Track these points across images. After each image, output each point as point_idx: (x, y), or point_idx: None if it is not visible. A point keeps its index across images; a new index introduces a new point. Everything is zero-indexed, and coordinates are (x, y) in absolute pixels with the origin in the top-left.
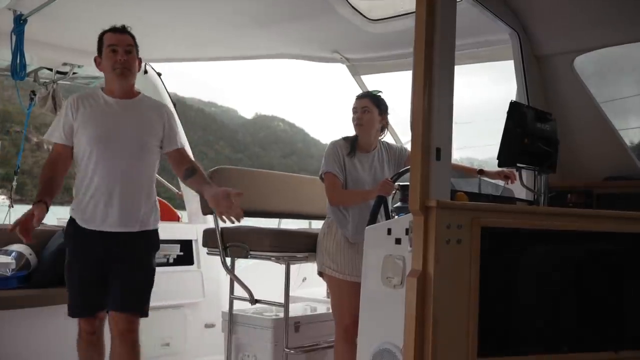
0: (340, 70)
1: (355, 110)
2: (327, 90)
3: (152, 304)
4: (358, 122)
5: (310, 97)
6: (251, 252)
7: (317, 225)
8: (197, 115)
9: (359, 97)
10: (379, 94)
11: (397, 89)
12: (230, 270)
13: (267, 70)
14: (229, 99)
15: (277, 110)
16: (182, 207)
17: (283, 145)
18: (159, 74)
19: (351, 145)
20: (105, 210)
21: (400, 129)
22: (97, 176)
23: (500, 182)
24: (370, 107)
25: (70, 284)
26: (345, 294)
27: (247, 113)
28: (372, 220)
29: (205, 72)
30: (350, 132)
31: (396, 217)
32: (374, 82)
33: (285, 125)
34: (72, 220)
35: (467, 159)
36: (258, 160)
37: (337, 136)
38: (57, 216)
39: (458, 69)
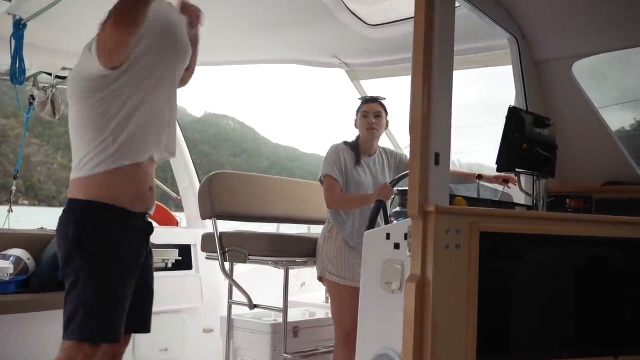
0: (293, 70)
1: (366, 114)
2: (277, 90)
3: None
4: (371, 127)
5: (260, 97)
6: (250, 257)
7: (316, 230)
8: (62, 104)
9: (369, 102)
10: (384, 100)
11: (396, 94)
12: (229, 275)
13: (217, 69)
14: (178, 97)
15: (227, 109)
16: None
17: (233, 144)
18: None
19: (355, 151)
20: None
21: (399, 134)
22: None
23: (499, 187)
24: (381, 112)
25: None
26: (346, 299)
27: (197, 111)
28: (371, 225)
29: None
30: (301, 132)
31: (395, 222)
32: (373, 87)
33: (236, 124)
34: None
35: (466, 165)
36: (207, 159)
37: (291, 137)
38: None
39: (457, 74)
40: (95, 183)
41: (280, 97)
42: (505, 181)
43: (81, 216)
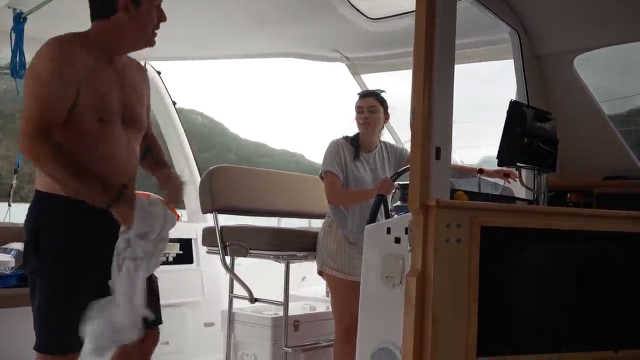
0: (263, 65)
1: (361, 109)
2: (247, 85)
3: None
4: (365, 122)
5: (229, 92)
6: (251, 251)
7: (316, 224)
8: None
9: (363, 96)
10: (382, 92)
11: (397, 88)
12: (230, 269)
13: (184, 62)
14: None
15: (195, 103)
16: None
17: (201, 139)
18: (159, 73)
19: (354, 146)
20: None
21: (399, 128)
22: None
23: (500, 181)
24: (377, 106)
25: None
26: (345, 293)
27: None
28: (372, 219)
29: None
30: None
31: (396, 216)
32: (374, 81)
33: (204, 119)
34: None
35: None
36: (167, 153)
37: (260, 132)
38: None
39: (458, 68)
40: None
41: (249, 93)
42: (506, 175)
43: (39, 209)
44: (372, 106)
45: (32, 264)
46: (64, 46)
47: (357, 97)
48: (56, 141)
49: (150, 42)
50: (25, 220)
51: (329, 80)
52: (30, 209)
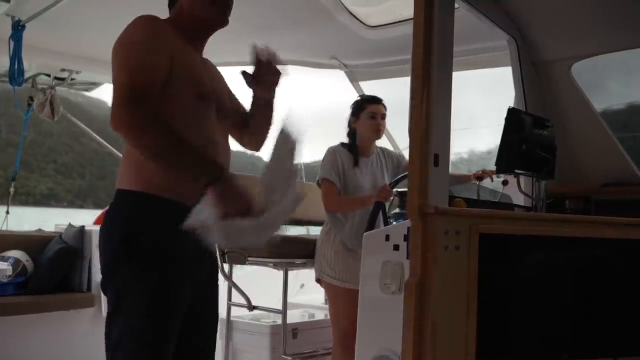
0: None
1: (373, 115)
2: (245, 93)
3: None
4: (378, 128)
5: None
6: (249, 258)
7: (315, 231)
8: (61, 105)
9: (374, 102)
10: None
11: (395, 95)
12: (228, 276)
13: None
14: (98, 89)
15: None
16: None
17: None
18: None
19: (353, 152)
20: None
21: (398, 135)
22: None
23: (499, 188)
24: (385, 113)
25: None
26: (343, 301)
27: None
28: (370, 226)
29: None
30: None
31: (394, 223)
32: (372, 88)
33: None
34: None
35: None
36: None
37: None
38: (54, 222)
39: (456, 75)
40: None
41: (248, 100)
42: (478, 178)
43: (131, 212)
44: (383, 114)
45: (121, 277)
46: (154, 18)
47: (360, 101)
48: (154, 109)
49: (223, 18)
50: (108, 227)
51: (328, 88)
52: (115, 213)
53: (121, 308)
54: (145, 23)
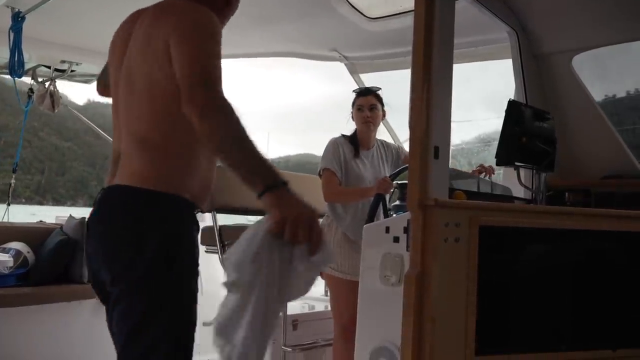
0: (260, 63)
1: (361, 107)
2: (245, 84)
3: None
4: (366, 120)
5: (228, 91)
6: None
7: None
8: (16, 99)
9: (363, 94)
10: (379, 90)
11: (395, 87)
12: None
13: None
14: (58, 83)
15: None
16: None
17: None
18: None
19: (354, 144)
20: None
21: (398, 127)
22: None
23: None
24: (376, 104)
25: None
26: (344, 292)
27: (79, 99)
28: (370, 218)
29: None
30: None
31: (394, 215)
32: (372, 80)
33: None
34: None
35: None
36: (90, 149)
37: (256, 130)
38: (55, 214)
39: (456, 67)
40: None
41: (248, 92)
42: (479, 172)
43: (170, 219)
44: (372, 104)
45: (163, 285)
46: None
47: (354, 95)
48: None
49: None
50: (143, 233)
51: (328, 79)
52: (144, 213)
53: (158, 314)
54: (215, 19)
